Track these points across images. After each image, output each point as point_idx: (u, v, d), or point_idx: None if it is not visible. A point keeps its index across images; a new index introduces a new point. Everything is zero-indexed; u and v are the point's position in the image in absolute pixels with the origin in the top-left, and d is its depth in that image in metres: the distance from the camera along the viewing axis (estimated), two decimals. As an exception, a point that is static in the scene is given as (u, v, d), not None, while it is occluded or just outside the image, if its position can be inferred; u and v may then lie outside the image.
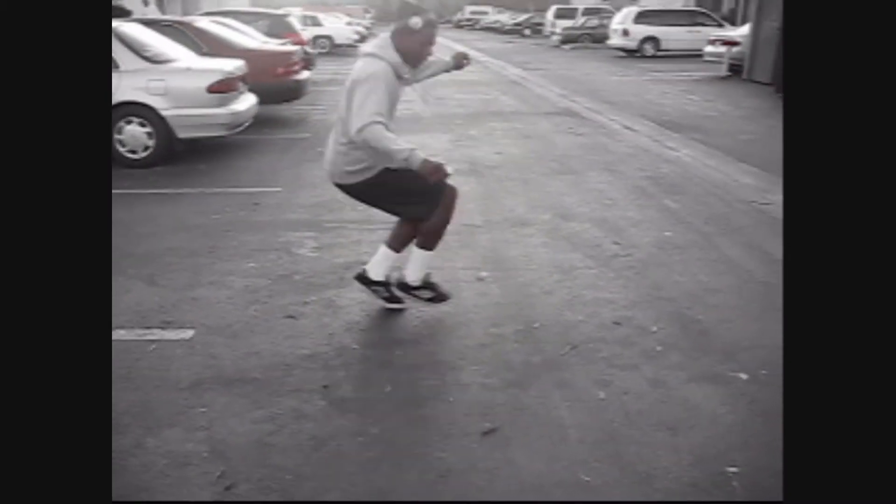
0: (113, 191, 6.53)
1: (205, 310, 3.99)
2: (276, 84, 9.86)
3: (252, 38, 11.64)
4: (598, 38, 28.79)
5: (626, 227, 5.50)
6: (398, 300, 3.92)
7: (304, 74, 11.06)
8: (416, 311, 3.93)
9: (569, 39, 30.40)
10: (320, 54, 21.32)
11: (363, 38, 30.06)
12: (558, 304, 4.06)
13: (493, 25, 47.97)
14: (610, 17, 28.49)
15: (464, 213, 5.79)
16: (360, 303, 4.05)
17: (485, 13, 54.70)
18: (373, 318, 3.89)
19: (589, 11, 33.46)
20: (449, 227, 5.42)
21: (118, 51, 7.41)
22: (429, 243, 3.76)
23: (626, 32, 24.46)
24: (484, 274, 4.49)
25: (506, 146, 8.68)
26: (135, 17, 13.76)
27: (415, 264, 3.80)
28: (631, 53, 24.42)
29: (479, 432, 2.84)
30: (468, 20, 56.14)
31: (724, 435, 2.85)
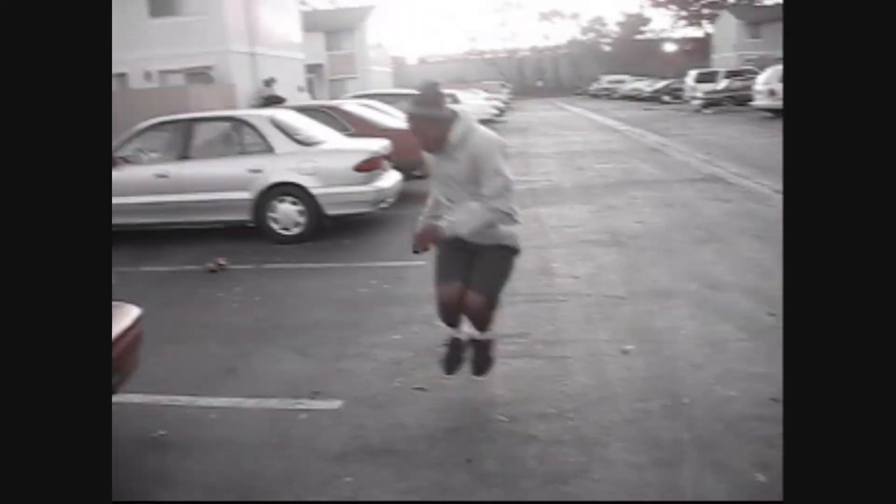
0: (266, 265, 6.94)
1: (351, 381, 4.10)
2: (419, 161, 10.19)
3: (395, 118, 12.17)
4: (741, 100, 27.96)
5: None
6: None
7: (445, 150, 11.37)
8: (561, 384, 3.87)
9: (711, 103, 29.75)
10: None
11: (502, 112, 30.72)
12: (709, 379, 3.88)
13: (631, 93, 47.80)
14: (753, 78, 27.69)
15: (606, 285, 5.70)
16: (504, 376, 4.04)
17: (622, 82, 54.66)
18: (516, 391, 3.86)
19: (731, 74, 32.70)
20: (590, 300, 5.36)
21: (273, 136, 7.97)
22: None
23: (772, 92, 23.60)
24: (628, 347, 4.37)
25: (648, 215, 8.52)
26: (288, 103, 14.79)
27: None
28: (778, 114, 23.52)
29: (628, 513, 2.73)
30: (605, 90, 56.29)
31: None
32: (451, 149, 3.49)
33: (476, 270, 3.64)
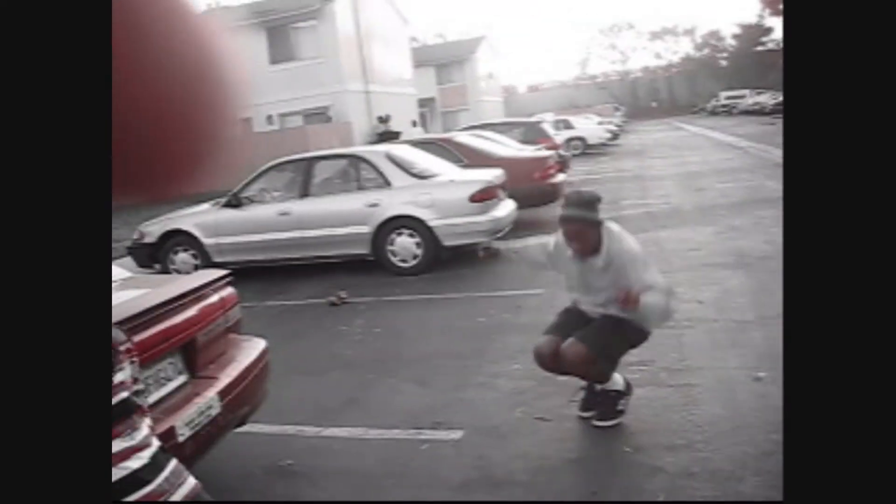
0: (385, 297, 7.06)
1: (473, 411, 4.08)
2: (534, 188, 10.17)
3: (508, 147, 12.21)
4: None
5: (931, 317, 4.81)
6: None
7: (560, 177, 11.32)
8: (689, 413, 3.71)
9: (840, 114, 28.18)
10: (574, 156, 21.75)
11: (616, 136, 30.25)
12: (852, 407, 3.62)
13: (753, 108, 46.01)
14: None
15: (734, 309, 5.46)
16: (629, 406, 3.91)
17: (742, 97, 52.72)
18: (641, 420, 3.73)
19: (861, 83, 30.92)
20: (717, 325, 5.14)
21: (390, 171, 8.16)
22: None
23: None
24: (761, 374, 4.14)
25: (776, 235, 8.09)
26: (402, 138, 15.15)
27: None
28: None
29: (769, 552, 2.56)
30: (723, 106, 54.44)
31: None
32: (599, 257, 3.50)
33: (588, 327, 3.61)
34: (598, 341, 3.51)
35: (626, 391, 3.74)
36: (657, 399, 3.95)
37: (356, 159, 8.61)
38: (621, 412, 3.70)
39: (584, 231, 3.50)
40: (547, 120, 21.87)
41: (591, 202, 3.52)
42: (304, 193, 8.47)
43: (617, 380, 3.70)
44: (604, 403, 3.71)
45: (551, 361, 3.65)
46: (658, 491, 3.03)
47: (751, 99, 49.43)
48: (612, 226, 3.59)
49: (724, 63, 70.55)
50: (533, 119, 20.21)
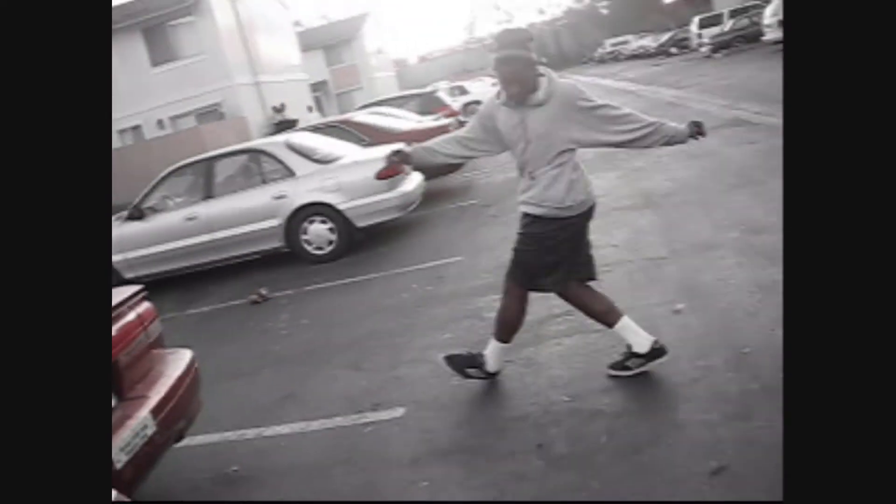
0: (307, 288, 6.99)
1: (411, 387, 4.11)
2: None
3: (407, 120, 12.17)
4: (750, 37, 27.40)
5: (826, 229, 5.09)
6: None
7: (462, 143, 11.35)
8: (617, 355, 3.83)
9: (720, 46, 29.23)
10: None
11: (511, 96, 30.49)
12: (766, 325, 3.81)
13: (638, 52, 47.17)
14: (760, 13, 27.10)
15: (646, 247, 5.64)
16: (560, 356, 4.02)
17: (626, 42, 53.92)
18: (574, 370, 3.84)
19: (736, 13, 32.06)
20: (634, 265, 5.30)
21: (292, 160, 8.03)
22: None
23: (782, 23, 23.06)
24: (680, 306, 4.31)
25: (676, 171, 8.40)
26: (301, 125, 14.89)
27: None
28: (790, 46, 22.95)
29: (708, 472, 2.69)
30: (610, 53, 55.61)
31: None
32: (538, 100, 3.33)
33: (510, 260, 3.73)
34: (517, 268, 3.66)
35: (646, 354, 3.56)
36: (586, 346, 4.06)
37: (257, 153, 8.42)
38: (628, 368, 3.59)
39: (523, 72, 3.29)
40: (442, 88, 21.87)
41: (524, 40, 3.32)
42: (208, 195, 8.25)
43: (634, 339, 3.59)
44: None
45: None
46: (600, 434, 3.13)
47: (635, 43, 50.57)
48: (547, 69, 3.41)
49: (605, 12, 71.92)
50: (428, 89, 20.17)
